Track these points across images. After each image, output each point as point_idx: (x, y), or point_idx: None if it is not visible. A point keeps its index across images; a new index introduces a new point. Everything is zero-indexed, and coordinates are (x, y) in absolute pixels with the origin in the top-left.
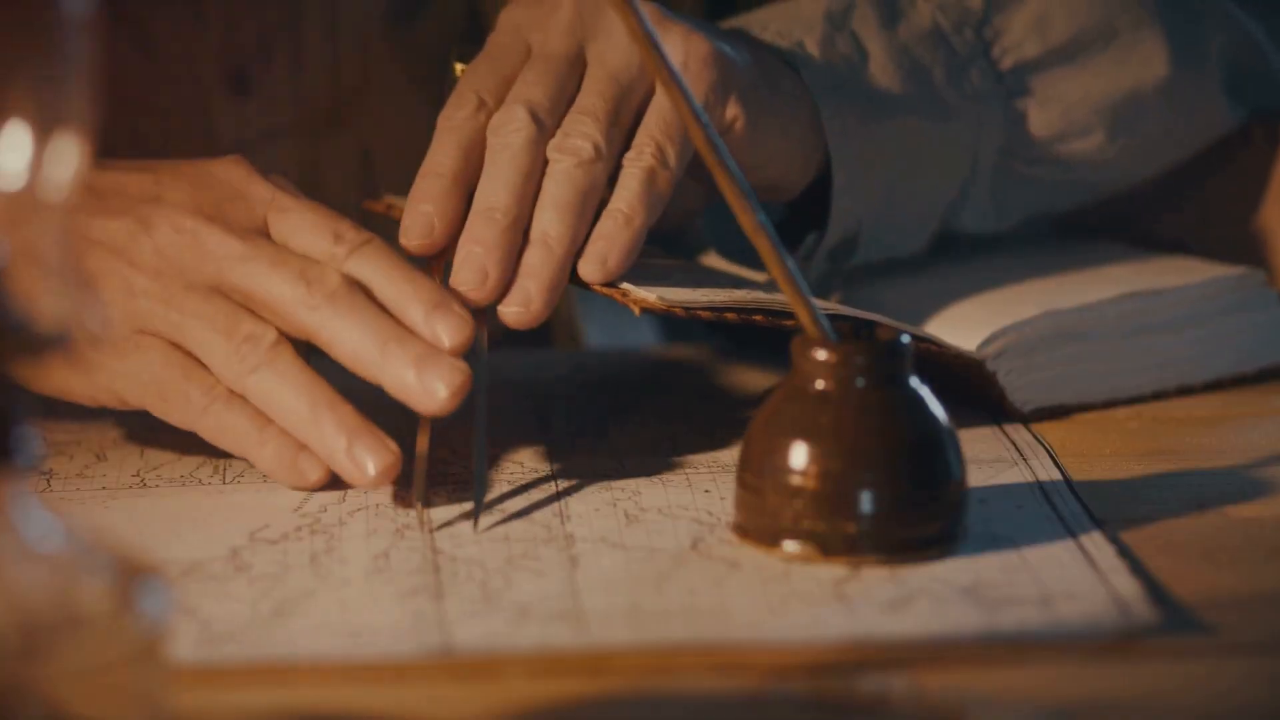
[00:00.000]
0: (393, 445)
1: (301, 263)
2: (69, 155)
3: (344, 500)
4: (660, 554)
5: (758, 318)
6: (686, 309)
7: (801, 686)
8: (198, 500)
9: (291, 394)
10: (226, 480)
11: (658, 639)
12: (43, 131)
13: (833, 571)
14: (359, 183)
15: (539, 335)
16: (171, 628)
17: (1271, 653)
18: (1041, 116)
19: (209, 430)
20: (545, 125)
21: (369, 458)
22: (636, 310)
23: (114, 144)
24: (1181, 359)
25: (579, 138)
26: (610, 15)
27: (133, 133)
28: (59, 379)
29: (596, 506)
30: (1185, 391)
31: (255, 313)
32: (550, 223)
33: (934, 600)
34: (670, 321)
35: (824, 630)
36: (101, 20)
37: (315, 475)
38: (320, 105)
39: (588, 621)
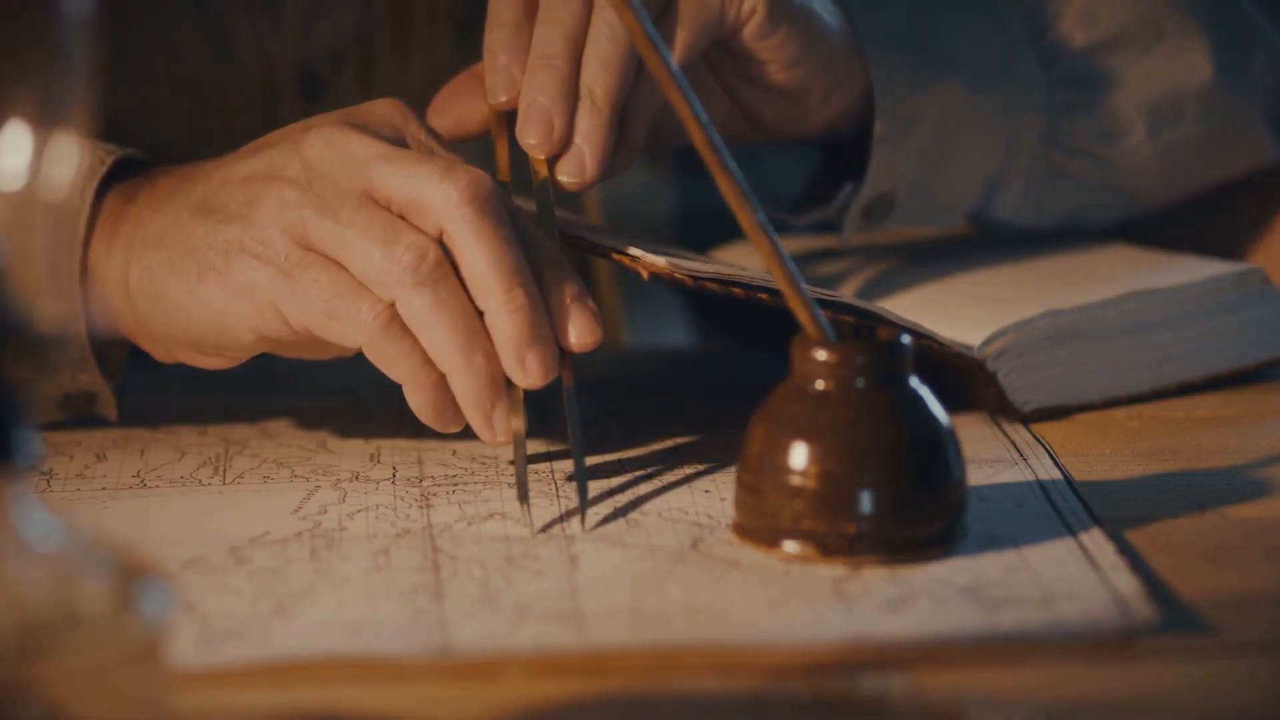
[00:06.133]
0: (518, 425)
1: (448, 160)
2: (69, 155)
3: (344, 501)
4: (660, 554)
5: (763, 295)
6: (694, 278)
7: (801, 686)
8: (198, 500)
9: (448, 328)
10: (226, 480)
11: (658, 639)
12: (43, 131)
13: (832, 571)
14: None
15: None
16: (171, 628)
17: (1272, 653)
18: (1083, 107)
19: (373, 353)
20: None
21: (503, 423)
22: (645, 275)
23: (179, 138)
24: (1182, 355)
25: None
26: None
27: (200, 129)
28: (218, 310)
29: (596, 508)
30: (1185, 388)
31: (414, 225)
32: (596, 78)
33: (934, 600)
34: (704, 322)
35: (824, 630)
36: (180, 16)
37: (455, 428)
38: None
39: (587, 621)
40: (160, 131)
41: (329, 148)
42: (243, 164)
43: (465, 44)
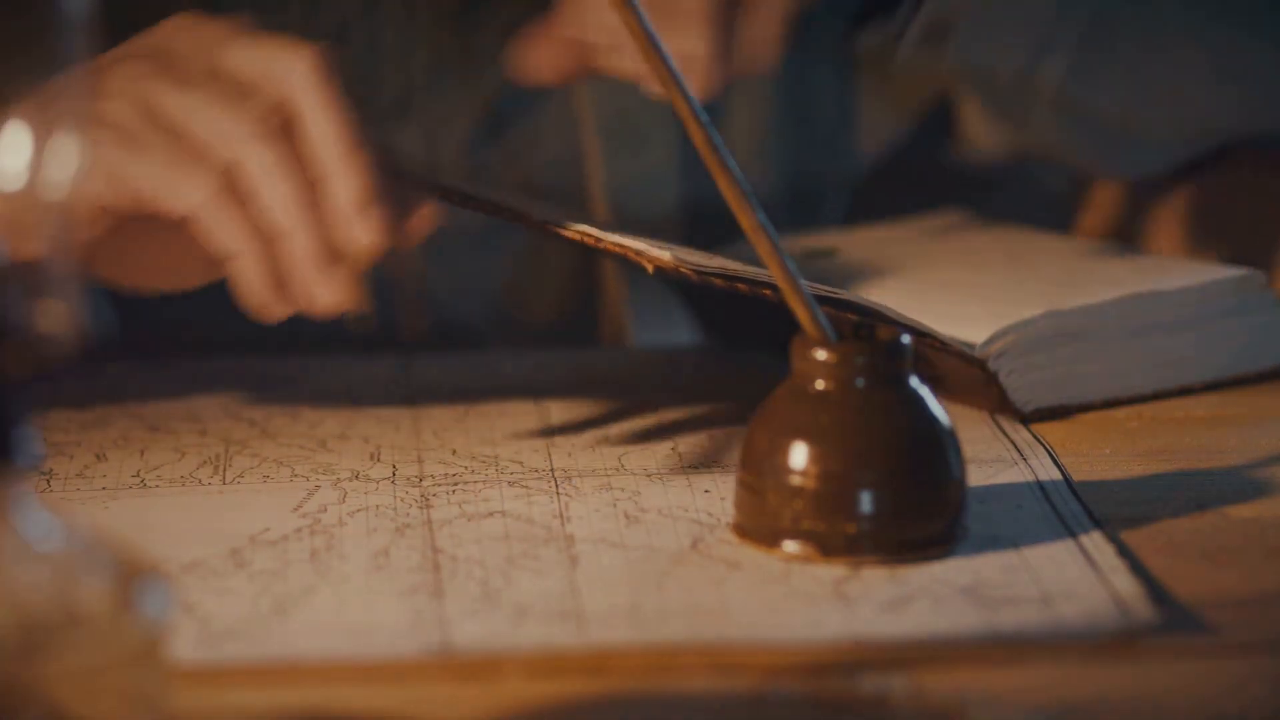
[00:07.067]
0: (356, 296)
1: (293, 38)
2: (69, 155)
3: (344, 500)
4: (660, 554)
5: (766, 291)
6: (699, 272)
7: (801, 686)
8: (198, 500)
9: (292, 183)
10: (226, 480)
11: (658, 639)
12: (43, 131)
13: (833, 571)
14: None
15: (586, 333)
16: (171, 627)
17: (1271, 653)
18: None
19: (208, 216)
20: None
21: (337, 284)
22: (650, 268)
23: None
24: (1182, 360)
25: None
26: None
27: None
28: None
29: (596, 506)
30: (1185, 392)
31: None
32: None
33: (934, 600)
34: (710, 323)
35: (824, 630)
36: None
37: (284, 307)
38: (390, 93)
39: (588, 621)
40: None
41: (179, 30)
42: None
43: (465, 26)
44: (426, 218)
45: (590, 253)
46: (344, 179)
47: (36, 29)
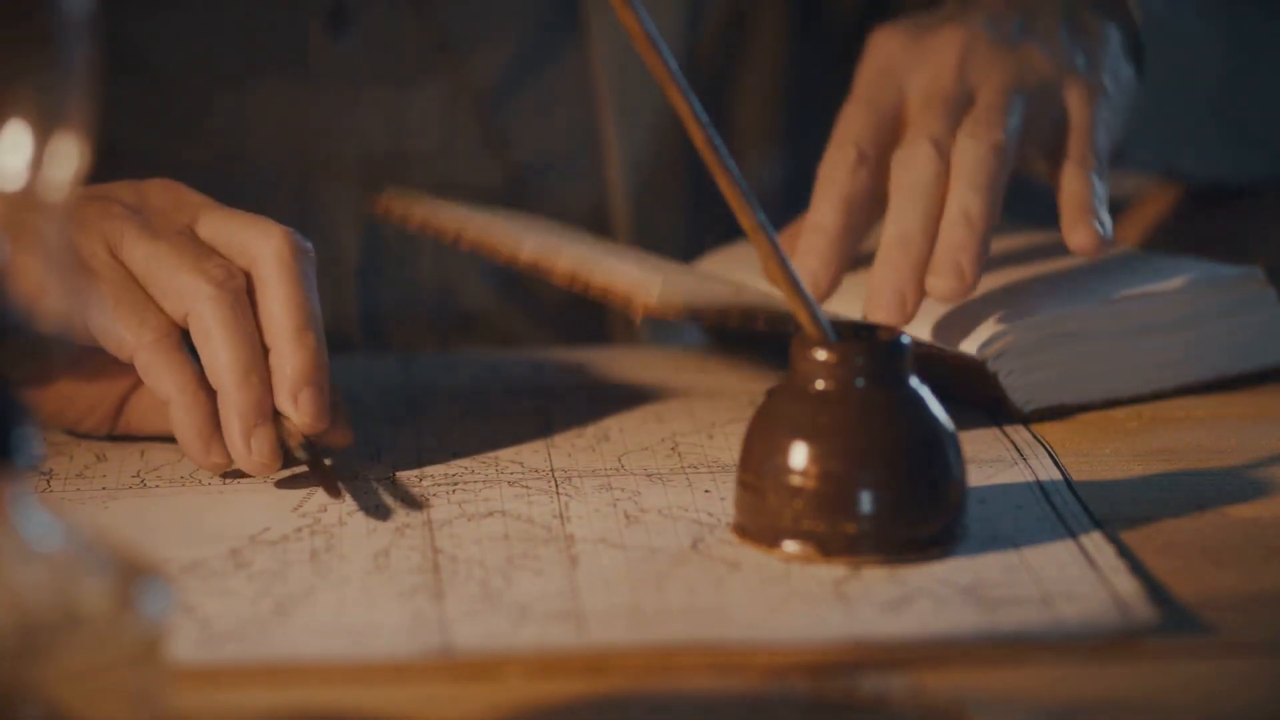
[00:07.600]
0: (277, 464)
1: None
2: (69, 155)
3: (345, 500)
4: (660, 554)
5: (758, 324)
6: (688, 310)
7: (801, 686)
8: (198, 500)
9: (236, 344)
10: (226, 480)
11: (658, 639)
12: (43, 131)
13: (833, 571)
14: (441, 137)
15: (596, 317)
16: (171, 627)
17: (1271, 653)
18: None
19: (144, 363)
20: (947, 158)
21: (262, 445)
22: (637, 318)
23: (208, 73)
24: (1181, 359)
25: (989, 126)
26: (990, 58)
27: (228, 61)
28: None
29: (596, 506)
30: (1185, 391)
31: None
32: (971, 201)
33: (934, 600)
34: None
35: (824, 630)
36: None
37: (217, 457)
38: (411, 53)
39: (588, 621)
40: (188, 78)
41: (165, 190)
42: (87, 189)
43: None
44: (346, 433)
45: (602, 230)
46: (289, 355)
47: (38, 30)
